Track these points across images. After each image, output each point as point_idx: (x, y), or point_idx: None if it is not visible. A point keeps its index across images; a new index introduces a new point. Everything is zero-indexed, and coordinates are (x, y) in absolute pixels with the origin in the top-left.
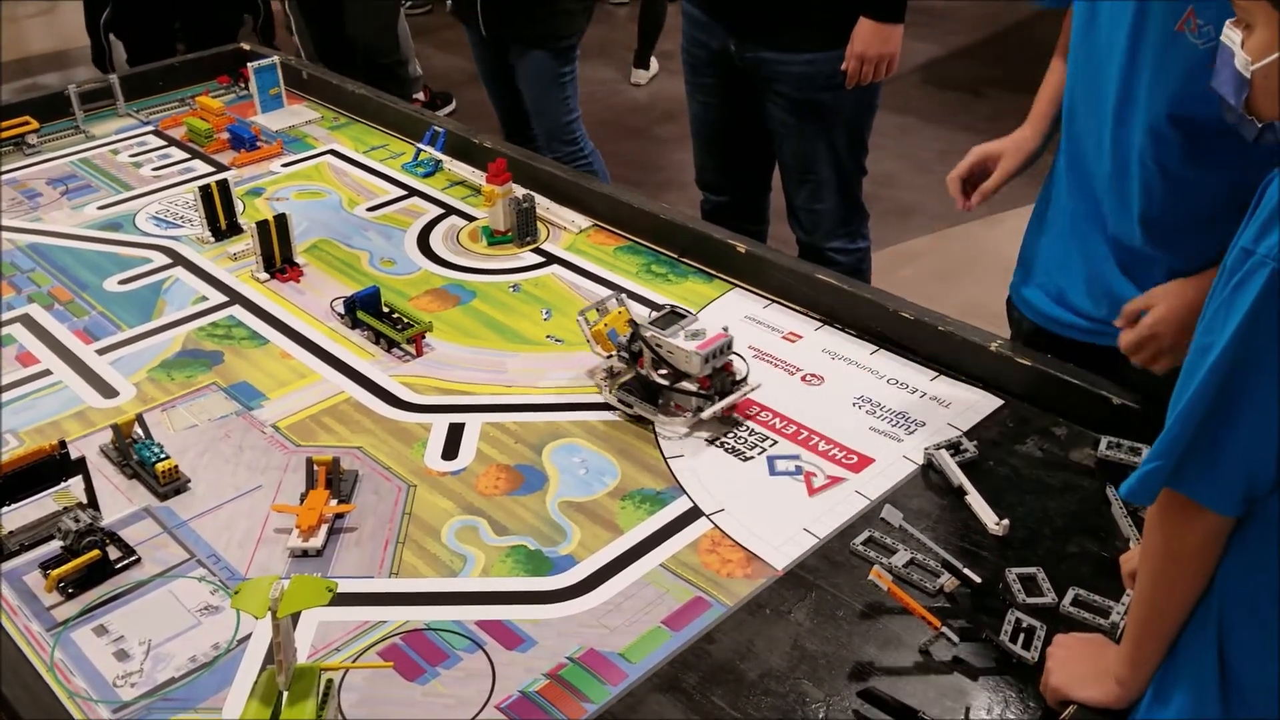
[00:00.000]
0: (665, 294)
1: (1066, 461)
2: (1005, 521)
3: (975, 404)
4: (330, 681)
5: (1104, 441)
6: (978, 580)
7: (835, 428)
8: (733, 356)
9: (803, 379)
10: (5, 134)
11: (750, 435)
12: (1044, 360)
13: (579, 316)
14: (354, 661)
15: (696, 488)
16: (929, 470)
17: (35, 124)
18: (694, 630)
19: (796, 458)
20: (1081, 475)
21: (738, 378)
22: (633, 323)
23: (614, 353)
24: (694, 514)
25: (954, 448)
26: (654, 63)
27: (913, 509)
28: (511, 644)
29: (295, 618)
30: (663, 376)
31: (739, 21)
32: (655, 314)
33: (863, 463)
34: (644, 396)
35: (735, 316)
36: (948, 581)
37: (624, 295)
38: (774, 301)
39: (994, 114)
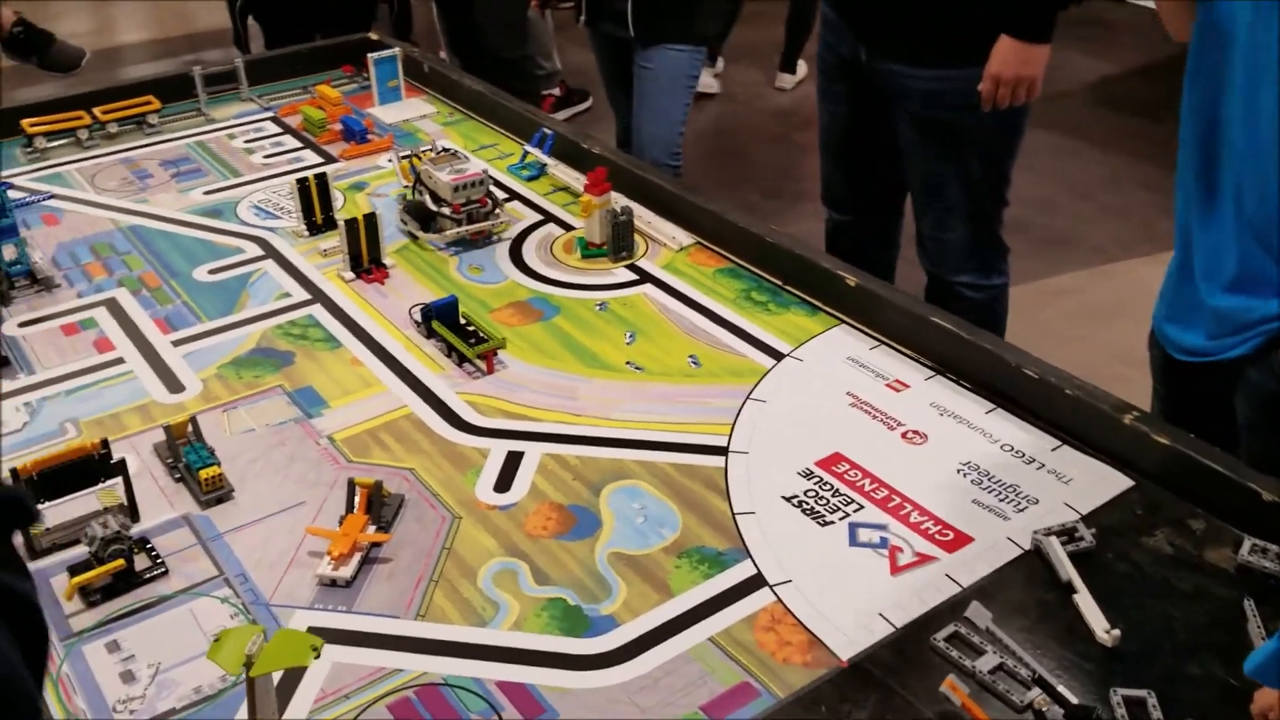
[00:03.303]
0: (762, 325)
1: (1201, 562)
2: (1116, 631)
3: (1100, 483)
4: None
5: (1248, 543)
6: (1074, 701)
7: (932, 497)
8: (490, 194)
9: (903, 435)
10: (121, 114)
11: (833, 496)
12: (1185, 440)
13: (392, 153)
14: None
15: (763, 552)
16: (1035, 558)
17: (157, 104)
18: None
19: (883, 528)
20: (1217, 581)
21: (490, 209)
22: (418, 156)
23: (412, 183)
24: (756, 582)
25: (1068, 535)
26: (802, 66)
27: (1010, 603)
28: (531, 713)
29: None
30: (433, 202)
31: (868, 27)
32: (437, 154)
33: (959, 541)
34: (418, 218)
35: (837, 357)
36: (1038, 698)
37: (453, 150)
38: (882, 343)
39: (1171, 139)
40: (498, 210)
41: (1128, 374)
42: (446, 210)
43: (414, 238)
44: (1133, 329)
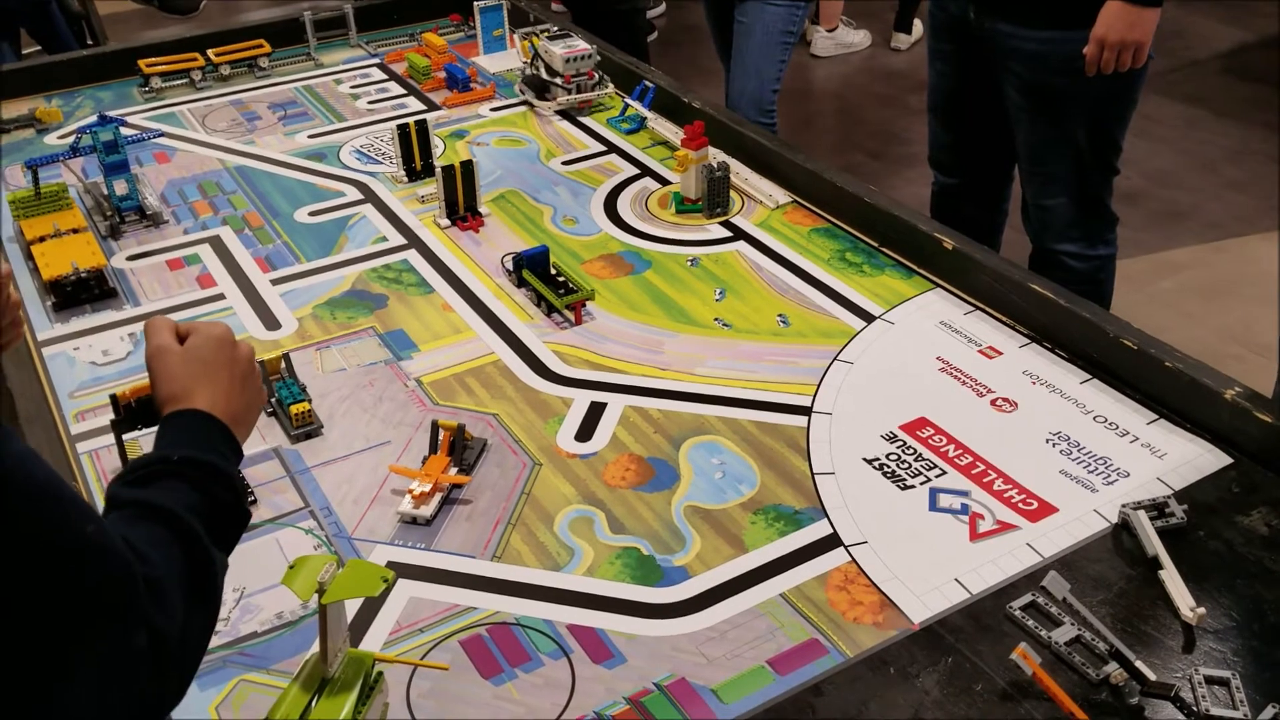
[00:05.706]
0: (855, 286)
1: None
2: (1202, 610)
3: (1196, 459)
4: (381, 675)
5: None
6: (1151, 677)
7: (1018, 465)
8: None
9: (993, 403)
10: (233, 56)
11: (915, 460)
12: None
13: (518, 33)
14: (421, 658)
15: (840, 512)
16: (1122, 532)
17: (268, 48)
18: (801, 678)
19: (965, 494)
20: None
21: (597, 81)
22: (536, 35)
23: (530, 58)
24: (831, 542)
25: (1158, 510)
26: (917, 26)
27: (1092, 576)
28: (599, 657)
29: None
30: (547, 74)
31: None
32: (555, 31)
33: (1043, 510)
34: (535, 89)
35: (930, 322)
36: (1115, 673)
37: (567, 30)
38: (977, 308)
39: None
40: (605, 82)
41: (1240, 354)
42: (559, 81)
43: (531, 106)
44: (1247, 308)
